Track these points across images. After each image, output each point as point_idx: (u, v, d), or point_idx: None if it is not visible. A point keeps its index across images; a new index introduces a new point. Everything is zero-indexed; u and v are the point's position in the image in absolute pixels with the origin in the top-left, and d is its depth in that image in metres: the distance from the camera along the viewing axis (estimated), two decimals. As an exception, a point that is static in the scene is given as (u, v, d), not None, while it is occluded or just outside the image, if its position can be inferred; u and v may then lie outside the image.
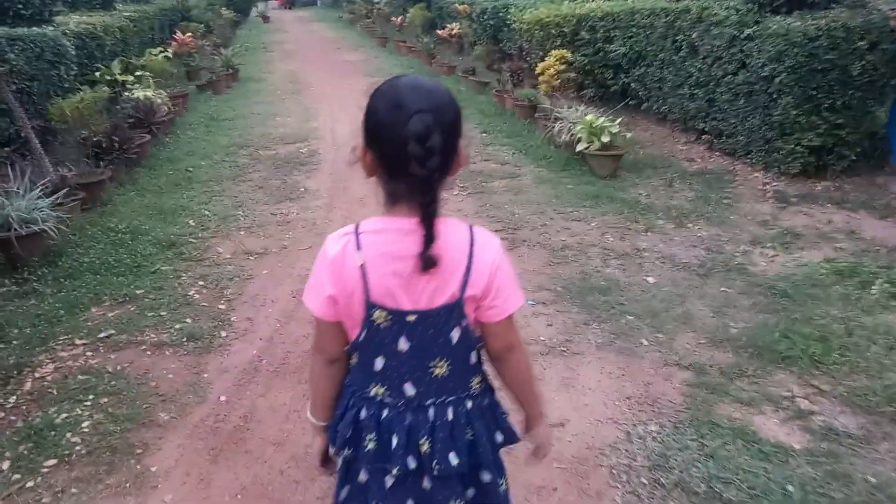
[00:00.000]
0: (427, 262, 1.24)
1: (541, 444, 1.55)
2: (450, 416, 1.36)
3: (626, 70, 7.82)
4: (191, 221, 4.95)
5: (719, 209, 5.05)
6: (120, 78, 6.83)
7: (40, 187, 4.54)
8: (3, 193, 4.27)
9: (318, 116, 8.88)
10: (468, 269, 1.28)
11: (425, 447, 1.35)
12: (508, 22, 11.02)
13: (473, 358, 1.39)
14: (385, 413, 1.37)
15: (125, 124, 6.70)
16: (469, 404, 1.39)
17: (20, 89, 6.03)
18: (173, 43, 9.81)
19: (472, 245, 1.29)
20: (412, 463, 1.35)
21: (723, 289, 3.78)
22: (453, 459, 1.35)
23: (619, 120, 6.06)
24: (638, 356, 3.14)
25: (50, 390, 2.88)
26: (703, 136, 6.61)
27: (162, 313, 3.56)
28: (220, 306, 3.64)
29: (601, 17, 7.99)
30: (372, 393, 1.38)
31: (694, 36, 6.19)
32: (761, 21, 5.43)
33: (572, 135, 6.28)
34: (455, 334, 1.33)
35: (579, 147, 5.92)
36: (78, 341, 3.28)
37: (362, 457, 1.39)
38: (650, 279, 3.91)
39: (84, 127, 5.50)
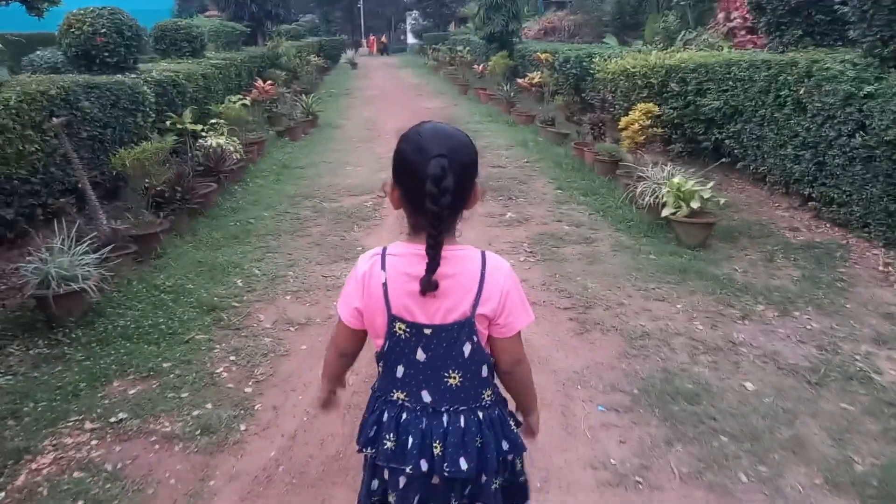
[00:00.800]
0: (426, 286, 1.43)
1: (533, 426, 1.74)
2: (462, 423, 1.51)
3: (719, 125, 7.15)
4: (239, 281, 4.67)
5: (831, 294, 4.30)
6: (189, 127, 6.79)
7: (88, 241, 4.39)
8: (48, 249, 4.12)
9: (390, 167, 8.62)
10: (479, 290, 1.47)
11: (437, 450, 1.48)
12: (592, 71, 10.56)
13: (485, 372, 1.54)
14: (404, 416, 1.52)
15: (191, 173, 6.64)
16: (480, 415, 1.53)
17: (92, 136, 6.07)
18: (253, 90, 9.93)
19: (483, 269, 1.48)
20: (424, 466, 1.48)
21: (843, 405, 3.07)
22: (463, 464, 1.48)
23: (710, 184, 5.41)
24: (734, 497, 2.50)
25: (41, 489, 2.55)
26: (809, 203, 5.84)
27: (183, 394, 3.21)
28: (247, 389, 3.26)
29: (693, 68, 7.39)
30: (394, 397, 1.55)
31: (801, 92, 5.50)
32: (884, 77, 4.72)
33: (657, 197, 5.67)
34: (467, 348, 1.50)
35: (665, 212, 5.31)
36: (88, 424, 2.97)
37: (380, 455, 1.52)
38: (749, 385, 3.24)
39: (146, 176, 5.39)
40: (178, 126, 6.74)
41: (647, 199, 5.78)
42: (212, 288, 4.52)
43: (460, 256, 1.48)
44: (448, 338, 1.48)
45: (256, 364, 3.51)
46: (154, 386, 3.31)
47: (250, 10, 17.82)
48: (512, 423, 1.63)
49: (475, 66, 16.88)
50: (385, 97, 16.89)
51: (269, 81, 10.22)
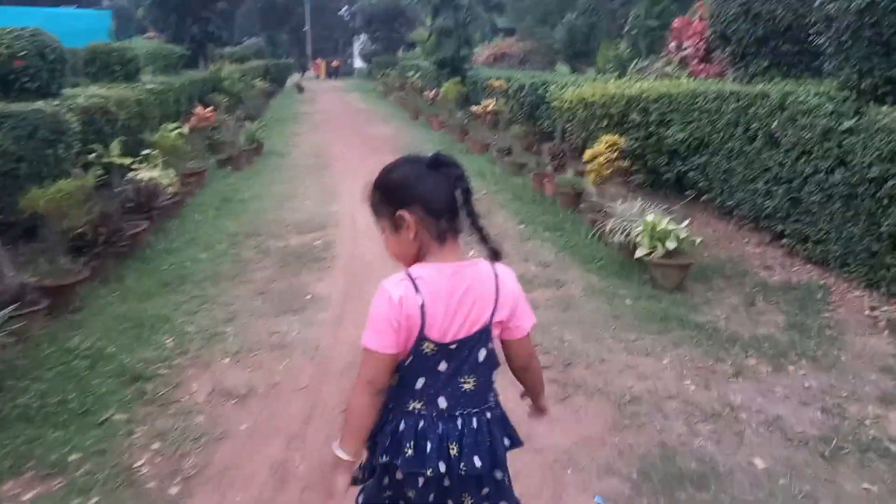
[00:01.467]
0: (495, 254, 1.65)
1: (544, 406, 1.94)
2: (474, 424, 1.63)
3: (683, 157, 6.94)
4: (168, 341, 4.07)
5: (823, 344, 4.00)
6: (117, 161, 6.15)
7: (-15, 301, 3.74)
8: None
9: (340, 198, 8.13)
10: (496, 298, 1.61)
11: (454, 451, 1.60)
12: (547, 99, 10.34)
13: (493, 375, 1.69)
14: (421, 423, 1.62)
15: (120, 211, 5.99)
16: (489, 415, 1.67)
17: (4, 172, 5.38)
18: (192, 117, 9.30)
19: (496, 278, 1.62)
20: (442, 467, 1.59)
21: (864, 485, 2.72)
22: (477, 462, 1.61)
23: (686, 222, 5.12)
24: None
25: None
26: (782, 240, 5.61)
27: (93, 499, 2.62)
28: (172, 490, 2.69)
29: (656, 98, 7.18)
30: (410, 408, 1.63)
31: (774, 125, 5.29)
32: (863, 112, 4.52)
33: (627, 235, 5.35)
34: (482, 354, 1.63)
35: (639, 253, 4.97)
36: (-35, 548, 2.36)
37: (401, 463, 1.60)
38: (759, 462, 2.86)
39: (63, 218, 4.75)
40: (105, 160, 6.08)
41: (617, 237, 5.45)
42: (136, 350, 3.91)
43: (477, 269, 1.61)
44: (468, 346, 1.60)
45: (185, 453, 2.93)
46: (56, 487, 2.70)
47: (191, 31, 17.09)
48: None
49: (426, 93, 16.57)
50: (333, 122, 16.39)
51: (209, 108, 9.60)
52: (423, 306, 1.54)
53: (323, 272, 5.43)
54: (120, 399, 3.36)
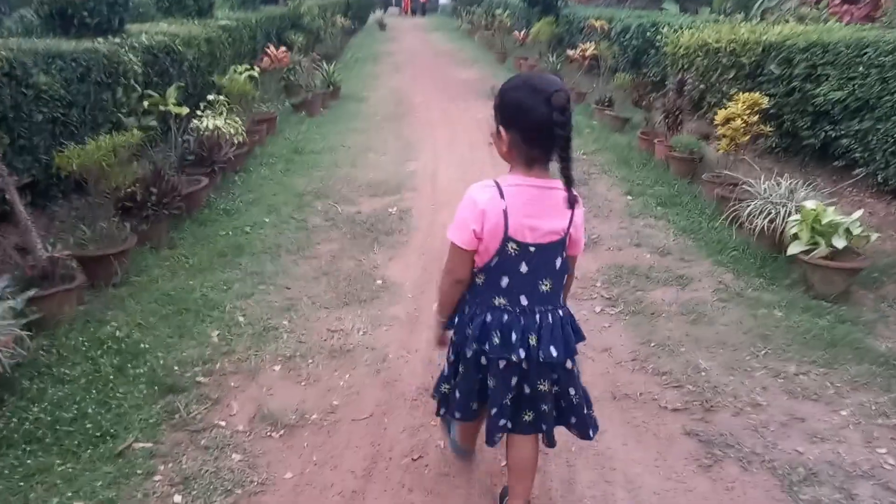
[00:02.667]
0: (571, 201, 1.82)
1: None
2: (550, 319, 1.89)
3: (835, 121, 5.67)
4: (214, 334, 3.43)
5: None
6: (174, 110, 5.50)
7: (5, 281, 3.17)
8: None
9: (420, 154, 7.29)
10: (571, 218, 1.85)
11: (533, 341, 1.87)
12: (657, 44, 9.02)
13: (564, 280, 1.94)
14: (505, 317, 1.87)
15: (177, 167, 5.39)
16: (561, 313, 1.93)
17: (51, 118, 4.82)
18: (264, 58, 8.59)
19: (571, 202, 1.82)
20: (522, 353, 1.86)
21: None
22: (553, 351, 1.87)
23: (857, 213, 3.99)
24: None
25: None
26: (976, 234, 4.40)
27: (86, 583, 1.99)
28: (188, 578, 2.03)
29: (805, 47, 5.87)
30: (496, 303, 1.89)
31: None
32: None
33: (772, 222, 4.30)
34: (558, 262, 1.88)
35: (794, 249, 3.93)
36: None
37: (490, 349, 1.88)
38: None
39: (105, 179, 4.14)
40: (162, 107, 5.46)
41: (758, 222, 4.39)
42: (175, 346, 3.29)
43: (556, 191, 1.81)
44: (546, 253, 1.84)
45: (212, 513, 2.27)
46: (48, 555, 2.09)
47: (272, -36, 16.27)
48: None
49: (515, 33, 15.27)
50: (415, 64, 15.41)
51: (282, 48, 8.86)
52: (505, 210, 1.77)
53: (397, 250, 4.66)
54: (145, 419, 2.74)
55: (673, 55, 8.36)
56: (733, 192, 5.18)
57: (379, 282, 4.11)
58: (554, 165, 1.81)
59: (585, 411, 2.05)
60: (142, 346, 3.26)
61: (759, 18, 9.35)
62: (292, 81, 10.04)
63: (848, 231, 3.78)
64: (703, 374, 3.10)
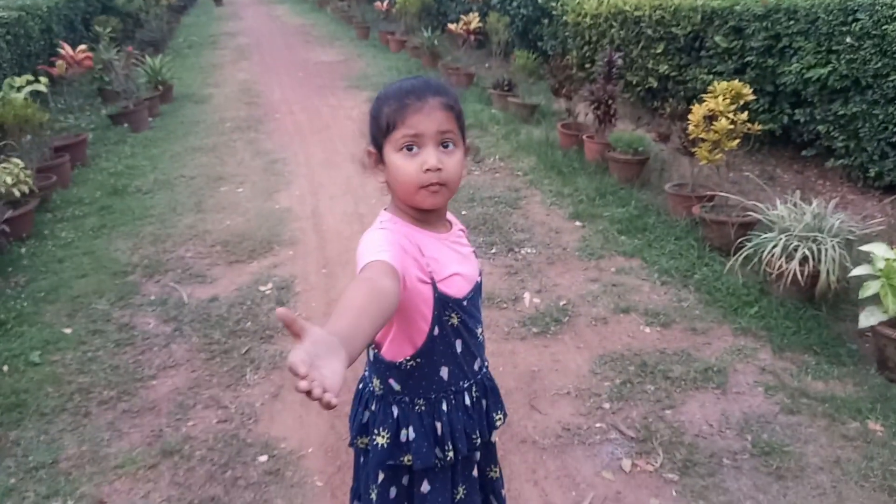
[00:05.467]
0: None
1: None
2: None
3: (808, 103, 4.64)
4: None
5: None
6: None
7: None
8: None
9: (291, 179, 5.55)
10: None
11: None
12: (552, 13, 7.72)
13: None
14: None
15: None
16: None
17: None
18: (58, 62, 6.32)
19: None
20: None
21: None
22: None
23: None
24: None
25: None
26: None
27: None
28: None
29: (762, 14, 4.76)
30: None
31: None
32: None
33: (802, 262, 3.12)
34: None
35: (870, 319, 2.74)
36: None
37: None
38: None
39: None
40: None
41: (783, 265, 3.20)
42: None
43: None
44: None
45: None
46: None
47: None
48: None
49: (377, 3, 13.49)
50: (264, 47, 13.21)
51: (81, 47, 6.56)
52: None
53: (284, 371, 3.00)
54: None
55: (576, 26, 7.10)
56: (720, 213, 3.99)
57: (263, 459, 2.47)
58: None
59: None
60: None
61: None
62: (108, 86, 7.76)
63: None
64: None
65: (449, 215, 1.47)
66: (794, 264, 3.15)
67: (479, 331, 1.48)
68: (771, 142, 5.21)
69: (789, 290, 3.25)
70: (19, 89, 5.26)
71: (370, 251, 1.24)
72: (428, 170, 1.28)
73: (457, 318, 1.38)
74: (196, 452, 2.50)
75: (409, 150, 1.29)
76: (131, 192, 5.30)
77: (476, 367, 1.47)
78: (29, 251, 4.26)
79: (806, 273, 3.16)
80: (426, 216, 1.38)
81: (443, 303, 1.34)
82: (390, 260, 1.22)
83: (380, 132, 1.33)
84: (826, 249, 3.14)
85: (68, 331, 3.36)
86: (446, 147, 1.31)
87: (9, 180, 4.38)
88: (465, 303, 1.39)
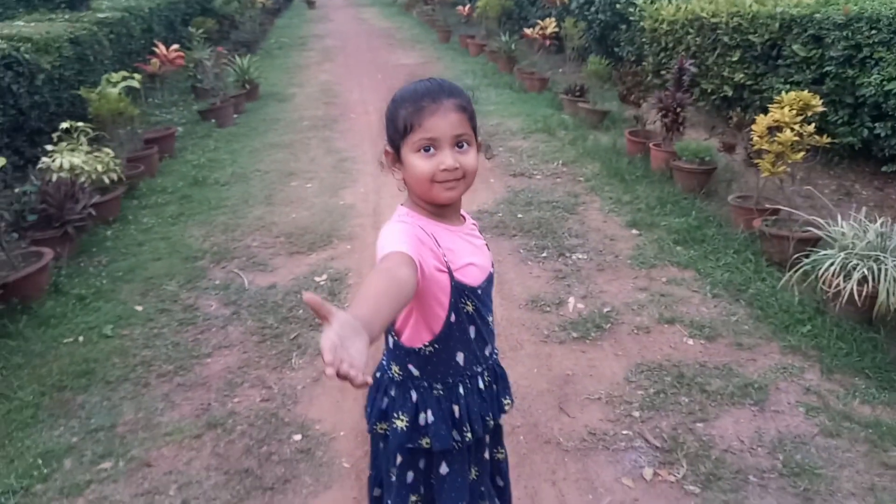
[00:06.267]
0: None
1: None
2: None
3: (891, 116, 4.40)
4: None
5: None
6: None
7: None
8: None
9: (357, 178, 5.75)
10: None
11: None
12: (630, 18, 7.61)
13: None
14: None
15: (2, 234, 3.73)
16: None
17: None
18: (153, 60, 6.81)
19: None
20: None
21: None
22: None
23: None
24: None
25: None
26: None
27: None
28: None
29: (847, 20, 4.55)
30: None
31: None
32: None
33: (861, 283, 2.98)
34: None
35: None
36: None
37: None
38: None
39: None
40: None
41: (841, 283, 3.06)
42: None
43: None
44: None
45: None
46: None
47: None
48: None
49: (458, 8, 13.66)
50: (348, 49, 13.65)
51: (174, 47, 7.05)
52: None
53: (322, 362, 3.16)
54: None
55: (652, 32, 6.97)
56: (781, 227, 3.85)
57: (297, 438, 2.62)
58: None
59: None
60: None
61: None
62: (199, 85, 8.28)
63: None
64: None
65: (462, 210, 1.55)
66: (852, 283, 3.02)
67: (491, 319, 1.55)
68: (851, 156, 4.96)
69: (846, 309, 3.12)
70: (115, 85, 5.71)
71: (389, 243, 1.33)
72: (445, 170, 1.36)
73: (472, 305, 1.45)
74: (237, 427, 2.68)
75: (427, 150, 1.37)
76: (210, 183, 5.65)
77: (487, 352, 1.55)
78: (113, 234, 4.64)
79: (864, 293, 3.02)
80: (442, 210, 1.45)
81: (459, 291, 1.42)
82: (408, 250, 1.31)
83: (397, 134, 1.40)
84: (888, 269, 2.99)
85: (139, 308, 3.65)
86: (461, 147, 1.38)
87: (99, 168, 4.79)
88: (479, 291, 1.47)
